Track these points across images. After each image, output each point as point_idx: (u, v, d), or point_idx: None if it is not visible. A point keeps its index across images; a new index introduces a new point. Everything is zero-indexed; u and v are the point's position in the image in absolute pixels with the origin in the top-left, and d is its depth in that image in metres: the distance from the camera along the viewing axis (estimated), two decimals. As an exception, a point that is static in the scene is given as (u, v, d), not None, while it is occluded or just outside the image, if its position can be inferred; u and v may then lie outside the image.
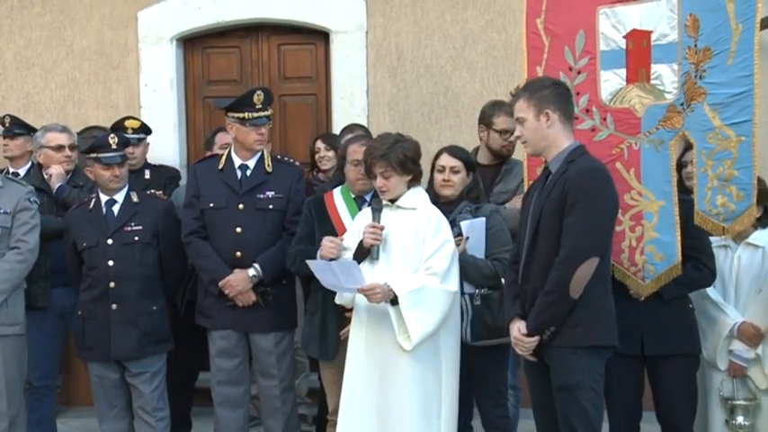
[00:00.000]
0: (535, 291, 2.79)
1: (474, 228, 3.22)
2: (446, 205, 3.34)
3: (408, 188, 3.16)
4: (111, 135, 3.68)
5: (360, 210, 3.44)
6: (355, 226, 3.21)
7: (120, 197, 3.72)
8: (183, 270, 3.82)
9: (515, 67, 4.76)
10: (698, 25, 2.96)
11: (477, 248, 3.21)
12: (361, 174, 3.33)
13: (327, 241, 3.14)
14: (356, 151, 3.38)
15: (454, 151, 3.37)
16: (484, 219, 3.22)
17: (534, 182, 3.02)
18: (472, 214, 3.27)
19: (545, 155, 2.88)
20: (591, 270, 2.73)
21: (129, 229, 3.65)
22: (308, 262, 3.08)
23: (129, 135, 4.30)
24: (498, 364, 3.25)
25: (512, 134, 3.79)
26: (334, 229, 3.42)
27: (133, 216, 3.67)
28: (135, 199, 3.72)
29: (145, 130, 4.40)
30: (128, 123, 4.34)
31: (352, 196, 3.44)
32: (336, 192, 3.55)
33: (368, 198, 3.47)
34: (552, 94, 2.83)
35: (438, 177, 3.36)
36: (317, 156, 4.35)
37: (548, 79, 2.91)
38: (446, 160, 3.35)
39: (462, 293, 3.17)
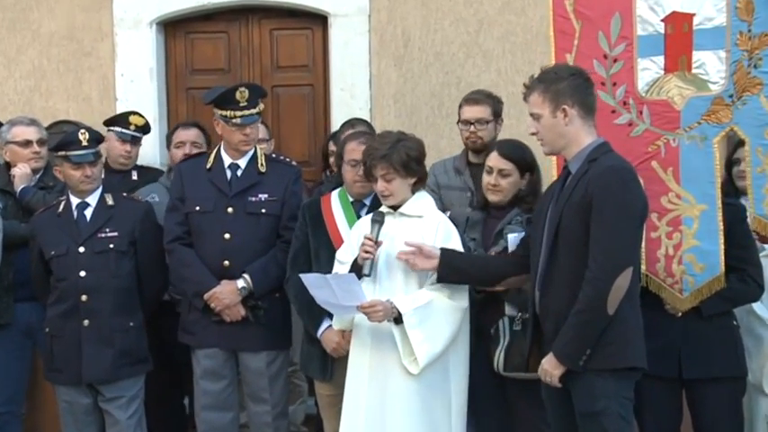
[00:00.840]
0: (558, 308, 2.78)
1: (521, 243, 3.17)
2: (496, 211, 3.36)
3: (413, 192, 3.18)
4: (82, 130, 3.66)
5: (358, 215, 3.46)
6: (353, 236, 3.24)
7: (92, 200, 3.71)
8: (164, 282, 3.82)
9: (536, 55, 4.77)
10: (752, 8, 2.95)
11: None
12: (358, 175, 3.34)
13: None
14: (354, 150, 3.39)
15: (506, 149, 3.32)
16: None
17: (551, 184, 3.04)
18: (523, 226, 3.24)
19: (564, 154, 2.89)
20: (627, 281, 2.73)
21: (103, 235, 3.63)
22: (302, 276, 3.09)
23: (132, 132, 4.32)
24: (541, 402, 3.04)
25: (474, 124, 3.94)
26: (328, 238, 3.44)
27: (108, 221, 3.66)
28: (110, 202, 3.71)
29: (146, 128, 4.43)
30: (132, 119, 4.35)
31: (350, 200, 3.46)
32: (334, 195, 3.56)
33: (367, 202, 3.48)
34: (570, 86, 2.83)
35: (485, 179, 3.35)
36: (331, 159, 4.37)
37: (565, 69, 2.92)
38: (494, 160, 3.32)
39: (503, 315, 3.18)
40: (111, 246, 3.62)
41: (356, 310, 3.02)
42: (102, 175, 3.80)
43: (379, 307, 2.98)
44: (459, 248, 3.12)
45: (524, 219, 3.29)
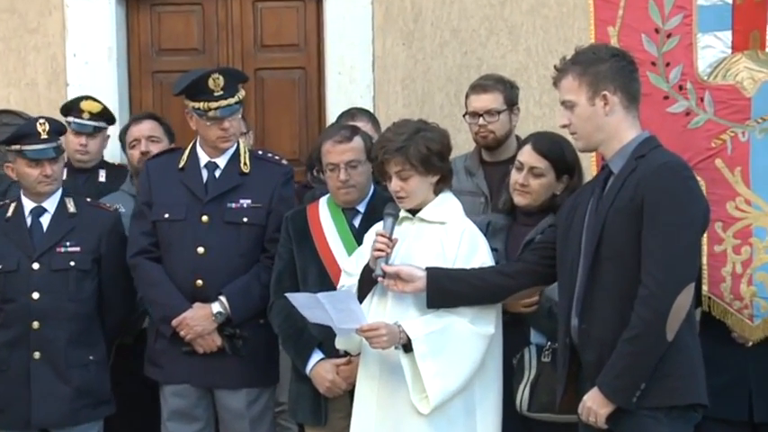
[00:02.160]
0: (602, 335, 2.78)
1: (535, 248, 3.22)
2: (525, 217, 3.35)
3: (436, 194, 3.18)
4: (41, 120, 3.63)
5: (351, 225, 3.47)
6: (367, 241, 3.20)
7: (50, 205, 3.67)
8: (131, 308, 3.82)
9: (572, 31, 4.79)
10: None
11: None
12: (340, 181, 3.38)
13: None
14: (329, 152, 3.43)
15: (541, 144, 3.32)
16: None
17: (585, 187, 3.04)
18: None
19: (603, 150, 2.88)
20: (689, 299, 2.72)
21: (62, 250, 3.61)
22: (289, 296, 3.11)
23: (86, 121, 4.30)
24: None
25: (483, 116, 3.95)
26: (316, 254, 3.45)
27: (69, 232, 3.63)
28: (71, 209, 3.68)
29: (107, 116, 4.40)
30: (84, 105, 4.33)
31: (341, 208, 3.49)
32: (322, 202, 3.57)
33: (361, 209, 3.50)
34: (612, 69, 2.82)
35: (513, 177, 3.35)
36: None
37: (605, 49, 2.92)
38: (526, 156, 3.32)
39: (528, 343, 3.22)
40: (72, 263, 3.61)
41: (355, 334, 3.04)
42: (64, 176, 3.80)
43: (382, 330, 2.98)
44: (488, 262, 3.12)
45: None
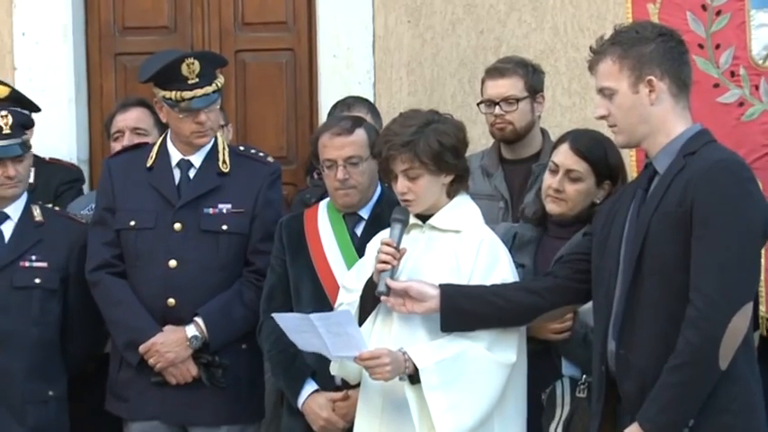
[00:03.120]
0: (644, 362, 2.78)
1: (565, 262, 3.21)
2: (558, 228, 3.36)
3: (450, 197, 3.20)
4: (3, 113, 3.65)
5: (352, 233, 3.48)
6: (370, 252, 3.23)
7: (14, 211, 3.70)
8: (98, 337, 3.84)
9: (608, 6, 4.78)
10: None
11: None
12: (338, 180, 3.41)
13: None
14: (327, 146, 3.45)
15: (581, 143, 3.33)
16: None
17: (625, 188, 3.05)
18: None
19: (647, 146, 2.88)
20: (747, 322, 2.71)
21: (26, 264, 3.63)
22: (276, 317, 3.14)
23: None
24: None
25: (500, 104, 3.96)
26: (311, 266, 3.48)
27: (35, 245, 3.66)
28: (38, 217, 3.71)
29: (22, 102, 4.38)
30: None
31: (341, 213, 3.52)
32: (321, 207, 3.60)
33: (364, 215, 3.51)
34: (658, 50, 2.83)
35: (546, 181, 3.37)
36: None
37: (649, 27, 2.92)
38: (563, 156, 3.34)
39: (560, 376, 3.21)
40: (38, 280, 3.63)
41: (354, 363, 3.05)
42: (31, 178, 3.81)
43: (385, 359, 2.98)
44: (510, 279, 3.13)
45: None
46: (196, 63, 3.64)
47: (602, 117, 2.90)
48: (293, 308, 3.43)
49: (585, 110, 4.69)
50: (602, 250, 2.93)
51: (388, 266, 3.07)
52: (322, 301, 3.38)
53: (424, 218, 3.19)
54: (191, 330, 3.64)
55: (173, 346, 3.62)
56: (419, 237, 3.18)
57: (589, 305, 3.08)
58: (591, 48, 2.92)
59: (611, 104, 2.86)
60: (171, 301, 3.65)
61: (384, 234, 3.22)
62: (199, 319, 3.64)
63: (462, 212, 3.20)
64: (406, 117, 3.23)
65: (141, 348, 3.63)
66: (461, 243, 3.14)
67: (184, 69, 3.63)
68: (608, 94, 2.86)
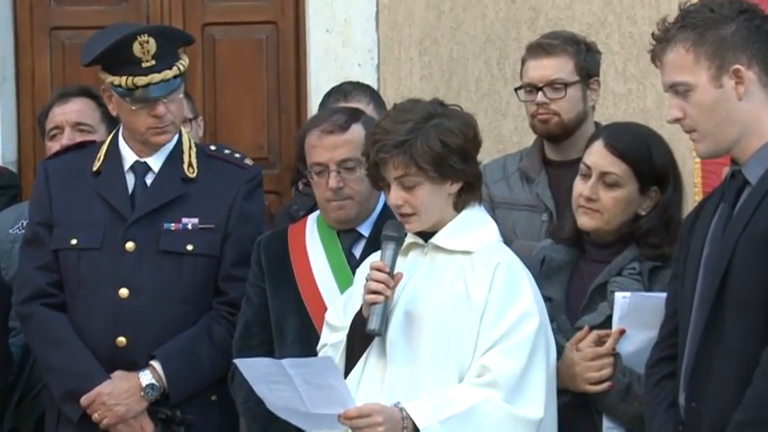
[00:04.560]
0: (721, 419, 2.79)
1: (640, 311, 3.20)
2: (596, 249, 3.38)
3: (458, 210, 3.22)
4: None
5: (349, 255, 3.52)
6: (359, 280, 3.26)
7: None
8: (6, 375, 3.85)
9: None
10: None
11: (646, 355, 3.14)
12: (330, 189, 3.45)
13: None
14: (316, 147, 3.49)
15: (617, 140, 3.34)
16: (665, 296, 3.15)
17: (704, 202, 3.09)
18: (642, 281, 3.29)
19: (735, 153, 2.91)
20: None
21: None
22: (238, 362, 3.19)
23: None
24: None
25: (544, 90, 3.97)
26: (298, 297, 3.50)
27: None
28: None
29: None
30: None
31: (335, 229, 3.56)
32: (310, 222, 3.63)
33: (364, 231, 3.54)
34: (742, 33, 2.85)
35: (577, 188, 3.39)
36: None
37: (727, 4, 2.90)
38: (596, 155, 3.36)
39: None
40: None
41: (337, 423, 3.07)
42: None
43: (377, 417, 3.01)
44: (532, 314, 3.13)
45: (646, 268, 3.30)
46: (152, 41, 3.67)
47: (677, 120, 2.90)
48: (275, 349, 3.46)
49: (645, 98, 4.73)
50: (677, 276, 2.97)
51: (380, 298, 3.10)
52: (311, 340, 3.40)
53: (426, 236, 3.21)
54: (146, 377, 3.66)
55: (123, 397, 3.65)
56: (420, 260, 3.21)
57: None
58: (653, 34, 2.93)
59: (686, 104, 2.87)
60: (121, 339, 3.68)
61: (376, 257, 3.23)
62: (156, 364, 3.67)
63: (474, 229, 3.22)
64: (400, 110, 3.24)
65: (83, 400, 3.65)
66: (473, 268, 3.17)
67: (137, 49, 3.65)
68: (682, 92, 2.87)
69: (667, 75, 2.90)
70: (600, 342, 3.24)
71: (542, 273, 3.37)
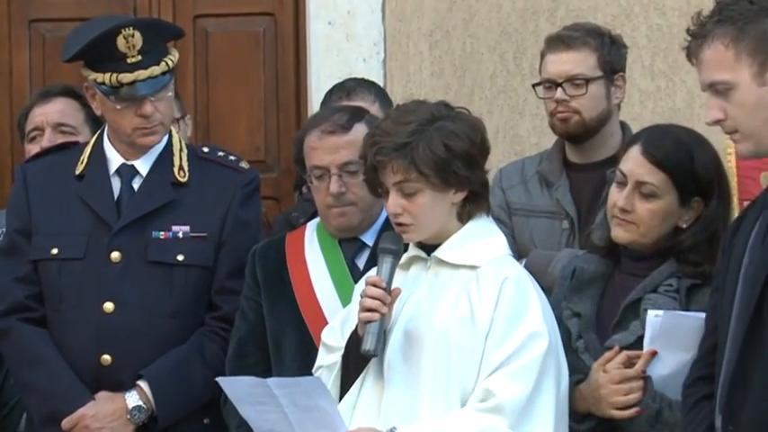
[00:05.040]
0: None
1: (674, 331, 3.21)
2: (632, 262, 3.37)
3: (462, 221, 3.24)
4: None
5: (352, 266, 3.53)
6: (355, 304, 3.24)
7: None
8: None
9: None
10: None
11: (680, 380, 3.15)
12: (332, 194, 3.46)
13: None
14: (315, 149, 3.50)
15: (656, 146, 3.33)
16: (704, 316, 3.14)
17: (746, 210, 3.09)
18: (678, 299, 3.30)
19: None
20: None
21: None
22: (221, 381, 3.21)
23: None
24: None
25: (563, 86, 3.97)
26: (295, 308, 3.52)
27: None
28: None
29: None
30: None
31: (337, 238, 3.58)
32: (309, 231, 3.64)
33: (368, 240, 3.56)
34: None
35: (612, 198, 3.39)
36: None
37: None
38: (633, 163, 3.35)
39: None
40: None
41: None
42: None
43: None
44: (542, 333, 3.12)
45: (684, 285, 3.30)
46: (138, 34, 3.67)
47: (717, 122, 2.89)
48: (272, 368, 3.47)
49: (674, 96, 4.73)
50: (720, 291, 2.96)
51: (376, 316, 3.09)
52: (312, 357, 3.38)
53: (430, 249, 3.22)
54: (132, 399, 3.67)
55: (108, 419, 3.66)
56: (423, 274, 3.22)
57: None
58: (688, 30, 2.92)
59: (727, 104, 2.87)
60: (106, 357, 3.68)
61: (373, 272, 3.23)
62: (143, 384, 3.68)
63: (480, 241, 3.22)
64: (402, 111, 3.24)
65: (65, 423, 3.66)
66: (478, 283, 3.17)
67: (122, 43, 3.66)
68: (722, 91, 2.87)
69: (705, 73, 2.89)
70: (629, 363, 3.22)
71: (572, 285, 3.38)
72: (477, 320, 3.12)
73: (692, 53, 2.91)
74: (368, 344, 3.08)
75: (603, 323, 3.34)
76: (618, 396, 3.21)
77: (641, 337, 3.25)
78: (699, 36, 2.88)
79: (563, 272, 3.37)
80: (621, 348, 3.25)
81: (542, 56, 4.11)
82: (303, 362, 3.41)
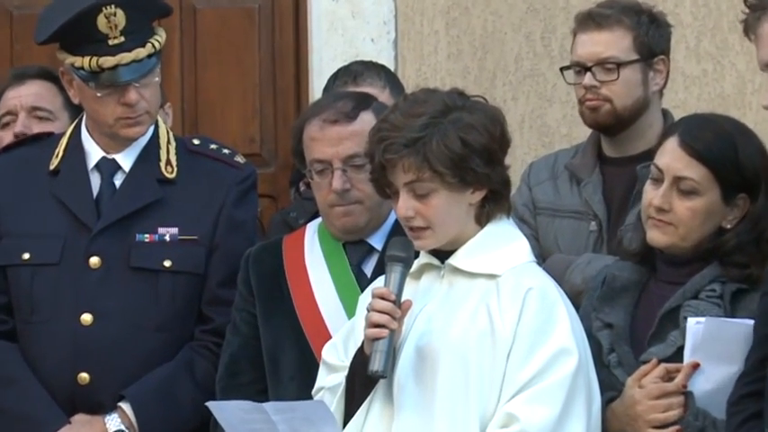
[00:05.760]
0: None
1: (718, 341, 3.21)
2: (670, 268, 3.39)
3: (481, 223, 3.25)
4: None
5: (358, 273, 3.56)
6: (360, 318, 3.28)
7: None
8: None
9: None
10: None
11: (725, 395, 3.18)
12: (335, 191, 3.49)
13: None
14: (316, 140, 3.53)
15: (695, 137, 3.36)
16: (751, 323, 3.19)
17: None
18: (723, 305, 3.31)
19: None
20: None
21: None
22: (212, 406, 3.25)
23: None
24: None
25: (593, 70, 3.98)
26: (293, 320, 3.54)
27: None
28: None
29: None
30: None
31: (341, 241, 3.59)
32: (309, 232, 3.66)
33: (376, 244, 3.58)
34: None
35: (647, 196, 3.41)
36: None
37: None
38: (670, 157, 3.38)
39: None
40: None
41: None
42: None
43: None
44: (572, 350, 3.14)
45: (728, 290, 3.31)
46: (120, 13, 3.69)
47: None
48: (268, 388, 3.49)
49: (722, 81, 4.73)
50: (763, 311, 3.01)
51: (384, 332, 3.11)
52: (313, 376, 3.40)
53: (443, 256, 3.23)
54: (113, 423, 3.70)
55: (84, 445, 3.68)
56: (436, 284, 3.24)
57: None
58: (746, 1, 2.95)
59: None
60: (83, 376, 3.71)
61: (380, 282, 3.25)
62: (126, 406, 3.70)
63: (500, 247, 3.24)
64: (412, 102, 3.26)
65: (39, 451, 3.69)
66: (498, 294, 3.18)
67: (103, 23, 3.68)
68: None
69: (765, 49, 2.91)
70: (668, 377, 3.23)
71: (603, 294, 3.39)
72: (498, 336, 3.14)
73: (749, 27, 2.94)
74: (376, 364, 3.09)
75: (638, 335, 3.35)
76: (656, 413, 3.22)
77: (681, 349, 3.27)
78: (758, 8, 2.93)
79: (593, 281, 3.38)
80: (659, 362, 3.26)
81: (573, 35, 4.11)
82: (303, 381, 3.44)
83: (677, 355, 3.26)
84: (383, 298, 3.13)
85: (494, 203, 3.23)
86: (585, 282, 3.62)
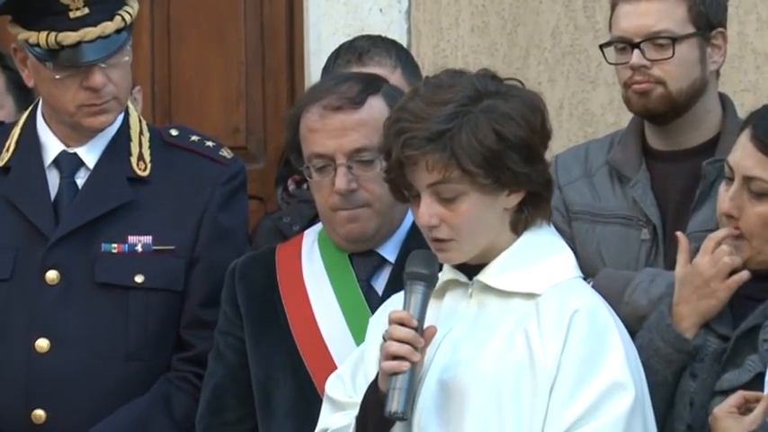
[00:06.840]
0: None
1: None
2: (750, 282, 3.39)
3: (517, 232, 3.29)
4: None
5: (367, 290, 3.59)
6: (372, 344, 3.32)
7: None
8: None
9: None
10: None
11: None
12: (338, 191, 3.54)
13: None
14: (315, 131, 3.58)
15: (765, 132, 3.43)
16: None
17: None
18: None
19: None
20: None
21: None
22: None
23: None
24: None
25: (640, 47, 3.98)
26: (290, 345, 3.57)
27: None
28: None
29: None
30: None
31: (346, 252, 3.63)
32: (308, 239, 3.70)
33: (389, 256, 3.62)
34: None
35: (721, 201, 3.46)
36: None
37: None
38: (741, 154, 3.43)
39: None
40: None
41: None
42: None
43: None
44: (629, 385, 3.16)
45: None
46: None
47: None
48: (259, 427, 3.53)
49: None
50: None
51: (405, 365, 3.11)
52: (313, 413, 3.42)
53: (471, 270, 3.25)
54: (71, 468, 3.74)
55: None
56: (463, 305, 3.27)
57: None
58: None
59: None
60: (39, 413, 3.75)
61: (398, 303, 3.25)
62: (87, 447, 3.74)
63: (540, 261, 3.26)
64: (436, 86, 3.26)
65: (-16, 504, 3.74)
66: (539, 317, 3.20)
67: None
68: None
69: None
70: (746, 408, 3.25)
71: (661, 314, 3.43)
72: (539, 367, 3.15)
73: None
74: (395, 404, 3.09)
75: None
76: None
77: (761, 375, 3.29)
78: None
79: (661, 303, 3.39)
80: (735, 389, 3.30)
81: (613, 6, 4.10)
82: (301, 420, 3.49)
83: (756, 383, 3.29)
84: (403, 324, 3.12)
85: (533, 208, 3.24)
86: (652, 303, 3.61)
